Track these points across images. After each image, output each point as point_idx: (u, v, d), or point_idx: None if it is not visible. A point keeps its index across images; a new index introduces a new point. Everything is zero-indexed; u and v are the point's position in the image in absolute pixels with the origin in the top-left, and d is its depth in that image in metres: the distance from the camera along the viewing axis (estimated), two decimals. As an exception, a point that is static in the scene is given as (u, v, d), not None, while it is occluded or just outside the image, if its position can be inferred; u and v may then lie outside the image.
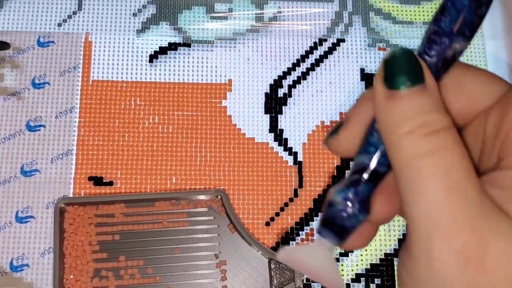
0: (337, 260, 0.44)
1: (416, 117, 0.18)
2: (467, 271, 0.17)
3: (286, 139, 0.46)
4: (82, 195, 0.43)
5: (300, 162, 0.45)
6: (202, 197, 0.43)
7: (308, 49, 0.48)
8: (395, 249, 0.44)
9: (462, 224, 0.17)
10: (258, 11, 0.49)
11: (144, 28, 0.48)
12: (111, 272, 0.41)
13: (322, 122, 0.46)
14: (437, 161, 0.18)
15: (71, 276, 0.41)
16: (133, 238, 0.42)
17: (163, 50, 0.47)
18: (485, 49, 0.48)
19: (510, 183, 0.18)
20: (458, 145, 0.18)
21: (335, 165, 0.45)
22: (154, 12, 0.48)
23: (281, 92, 0.47)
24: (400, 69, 0.19)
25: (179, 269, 0.42)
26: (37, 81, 0.46)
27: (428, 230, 0.17)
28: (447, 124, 0.18)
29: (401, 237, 0.44)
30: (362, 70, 0.48)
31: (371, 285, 0.43)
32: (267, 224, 0.44)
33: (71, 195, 0.43)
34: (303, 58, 0.48)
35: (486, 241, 0.17)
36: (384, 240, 0.44)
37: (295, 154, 0.45)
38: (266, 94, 0.47)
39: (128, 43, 0.47)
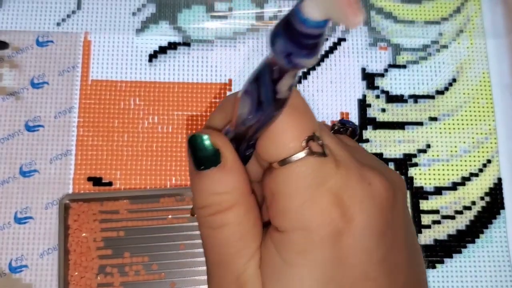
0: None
1: (206, 197, 0.21)
2: None
3: (286, 139, 0.45)
4: (81, 195, 0.43)
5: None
6: None
7: (309, 49, 0.48)
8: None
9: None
10: (259, 10, 0.48)
11: (143, 27, 0.47)
12: (116, 269, 0.41)
13: (323, 122, 0.46)
14: (220, 236, 0.21)
15: (76, 273, 0.41)
16: (138, 234, 0.42)
17: (162, 50, 0.47)
18: (486, 49, 0.48)
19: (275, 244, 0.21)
20: (241, 219, 0.21)
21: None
22: (154, 11, 0.48)
23: (281, 91, 0.47)
24: (197, 154, 0.21)
25: (184, 265, 0.41)
26: (36, 81, 0.45)
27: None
28: (231, 203, 0.21)
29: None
30: (363, 69, 0.47)
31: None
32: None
33: (81, 193, 0.43)
34: (304, 57, 0.48)
35: None
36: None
37: (295, 154, 0.45)
38: (266, 93, 0.47)
39: (128, 42, 0.47)
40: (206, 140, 0.21)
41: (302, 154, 0.20)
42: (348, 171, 0.21)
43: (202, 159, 0.21)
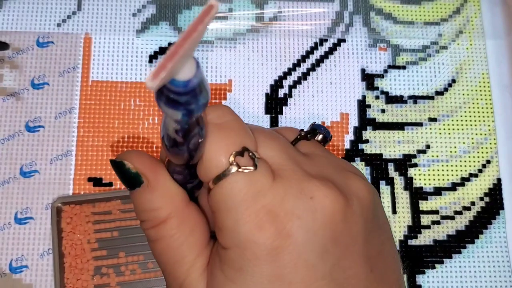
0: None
1: (141, 213, 0.23)
2: None
3: (286, 140, 0.45)
4: (82, 196, 0.43)
5: (301, 163, 0.45)
6: None
7: (309, 49, 0.48)
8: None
9: None
10: (258, 11, 0.48)
11: (143, 28, 0.47)
12: (112, 269, 0.41)
13: (323, 123, 0.46)
14: (159, 247, 0.22)
15: (72, 275, 0.41)
16: (132, 233, 0.42)
17: (163, 50, 0.47)
18: (486, 49, 0.48)
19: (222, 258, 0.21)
20: (174, 232, 0.22)
21: (336, 166, 0.45)
22: (154, 12, 0.48)
23: (281, 92, 0.47)
24: (121, 178, 0.23)
25: None
26: (36, 82, 0.45)
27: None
28: (162, 218, 0.22)
29: (402, 238, 0.44)
30: (363, 70, 0.47)
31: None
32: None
33: (72, 195, 0.43)
34: (304, 58, 0.48)
35: None
36: (385, 241, 0.44)
37: (295, 155, 0.45)
38: (266, 94, 0.47)
39: (128, 43, 0.47)
40: (125, 165, 0.22)
41: (232, 170, 0.20)
42: (286, 185, 0.20)
43: (124, 180, 0.22)
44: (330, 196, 0.20)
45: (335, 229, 0.20)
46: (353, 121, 0.46)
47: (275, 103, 0.47)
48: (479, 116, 0.47)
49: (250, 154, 0.20)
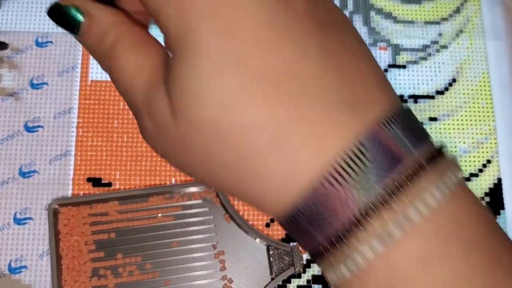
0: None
1: (95, 52, 0.21)
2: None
3: (286, 140, 0.45)
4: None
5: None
6: (195, 189, 0.43)
7: (309, 49, 0.48)
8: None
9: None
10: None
11: (143, 28, 0.47)
12: (109, 270, 0.41)
13: (323, 122, 0.46)
14: (115, 65, 0.21)
15: (70, 277, 0.41)
16: (129, 235, 0.42)
17: (162, 50, 0.47)
18: (486, 49, 0.48)
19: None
20: (126, 50, 0.21)
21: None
22: (153, 11, 0.48)
23: (281, 92, 0.47)
24: (66, 22, 0.21)
25: (177, 262, 0.41)
26: (35, 82, 0.45)
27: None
28: (113, 40, 0.21)
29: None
30: (362, 69, 0.47)
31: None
32: (272, 220, 0.43)
33: (69, 196, 0.43)
34: (303, 57, 0.48)
35: None
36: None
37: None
38: (266, 94, 0.47)
39: (127, 43, 0.47)
40: (68, 7, 0.21)
41: None
42: None
43: (71, 23, 0.21)
44: None
45: None
46: (353, 121, 0.46)
47: (275, 103, 0.46)
48: (479, 116, 0.47)
49: None
